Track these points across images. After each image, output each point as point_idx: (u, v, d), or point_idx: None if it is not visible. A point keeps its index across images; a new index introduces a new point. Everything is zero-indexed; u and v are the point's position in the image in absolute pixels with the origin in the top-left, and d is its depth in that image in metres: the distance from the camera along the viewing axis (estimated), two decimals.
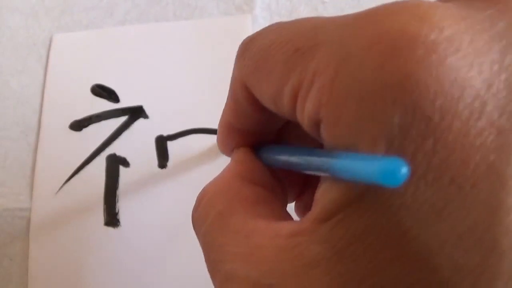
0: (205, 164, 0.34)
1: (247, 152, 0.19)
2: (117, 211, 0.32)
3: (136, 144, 0.34)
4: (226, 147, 0.20)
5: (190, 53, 0.37)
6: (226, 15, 0.39)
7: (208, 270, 0.16)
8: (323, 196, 0.13)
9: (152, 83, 0.36)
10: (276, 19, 0.39)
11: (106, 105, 0.35)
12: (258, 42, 0.16)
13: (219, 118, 0.20)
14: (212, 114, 0.35)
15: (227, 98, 0.19)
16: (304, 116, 0.14)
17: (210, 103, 0.35)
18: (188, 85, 0.36)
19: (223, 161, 0.34)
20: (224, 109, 0.19)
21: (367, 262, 0.12)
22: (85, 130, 0.34)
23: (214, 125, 0.34)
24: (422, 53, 0.11)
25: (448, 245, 0.11)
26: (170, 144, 0.34)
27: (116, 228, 0.31)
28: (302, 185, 0.21)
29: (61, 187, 0.32)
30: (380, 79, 0.11)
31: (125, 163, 0.33)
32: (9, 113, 0.35)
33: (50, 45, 0.37)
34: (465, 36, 0.11)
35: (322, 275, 0.12)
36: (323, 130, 0.13)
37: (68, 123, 0.34)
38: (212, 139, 0.34)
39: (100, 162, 0.33)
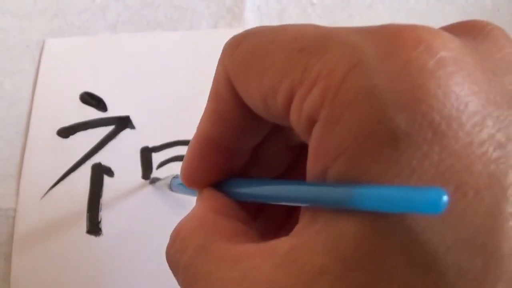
0: None
1: (213, 190, 0.19)
2: (99, 220, 0.32)
3: (122, 154, 0.34)
4: (196, 173, 0.19)
5: (180, 64, 0.37)
6: (217, 17, 0.38)
7: None
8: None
9: (140, 94, 0.36)
10: (266, 21, 0.39)
11: (94, 113, 0.35)
12: (253, 39, 0.15)
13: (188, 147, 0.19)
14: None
15: (205, 110, 0.18)
16: (300, 115, 0.14)
17: (197, 115, 0.35)
18: (176, 97, 0.36)
19: None
20: (199, 123, 0.19)
21: (376, 268, 0.12)
22: (72, 137, 0.35)
23: None
24: (433, 67, 0.12)
25: (454, 250, 0.12)
26: (155, 156, 0.34)
27: (97, 237, 0.32)
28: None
29: (46, 193, 0.33)
30: (393, 87, 0.12)
31: (110, 172, 0.34)
32: (3, 114, 0.36)
33: (42, 49, 0.37)
34: (467, 58, 0.13)
35: (327, 286, 0.12)
36: (318, 130, 0.13)
37: (56, 129, 0.34)
38: None
39: (85, 171, 0.34)
